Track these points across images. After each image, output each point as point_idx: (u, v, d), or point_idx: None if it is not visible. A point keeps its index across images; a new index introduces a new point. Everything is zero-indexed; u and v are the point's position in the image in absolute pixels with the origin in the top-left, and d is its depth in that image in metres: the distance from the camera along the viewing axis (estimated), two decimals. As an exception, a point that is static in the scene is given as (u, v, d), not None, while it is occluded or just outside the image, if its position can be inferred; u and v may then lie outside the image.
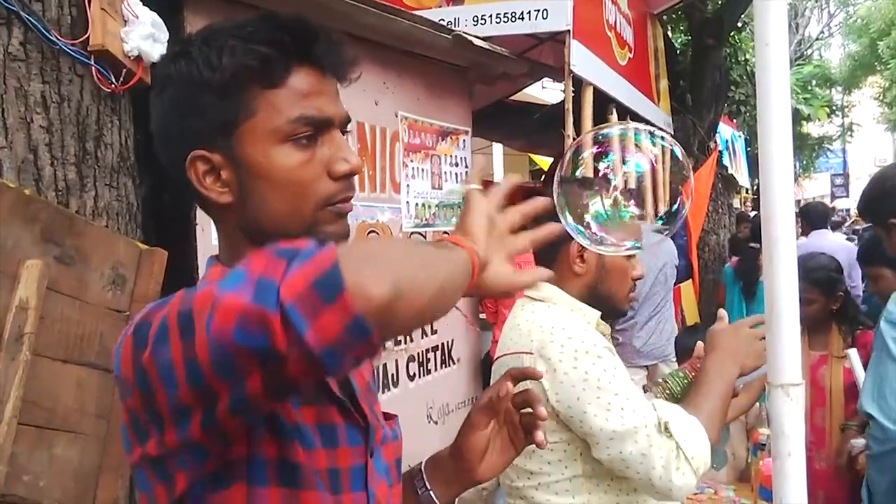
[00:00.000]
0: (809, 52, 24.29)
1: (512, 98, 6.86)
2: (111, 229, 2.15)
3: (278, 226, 0.93)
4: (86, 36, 2.12)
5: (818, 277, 3.18)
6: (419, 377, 3.99)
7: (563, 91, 4.57)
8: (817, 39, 25.61)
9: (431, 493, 1.18)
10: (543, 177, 9.41)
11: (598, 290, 1.83)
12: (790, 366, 1.09)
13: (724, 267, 7.19)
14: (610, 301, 1.85)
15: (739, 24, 8.96)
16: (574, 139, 4.52)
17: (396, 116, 3.91)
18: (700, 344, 1.84)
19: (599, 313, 1.83)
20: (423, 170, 4.11)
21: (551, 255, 1.80)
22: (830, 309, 3.25)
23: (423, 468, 1.21)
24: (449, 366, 4.29)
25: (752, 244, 6.39)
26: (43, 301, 1.79)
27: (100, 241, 2.04)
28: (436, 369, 4.15)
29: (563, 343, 1.65)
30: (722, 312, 1.83)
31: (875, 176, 2.40)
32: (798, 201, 29.68)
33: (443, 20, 4.30)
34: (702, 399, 1.66)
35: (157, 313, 0.79)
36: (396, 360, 3.80)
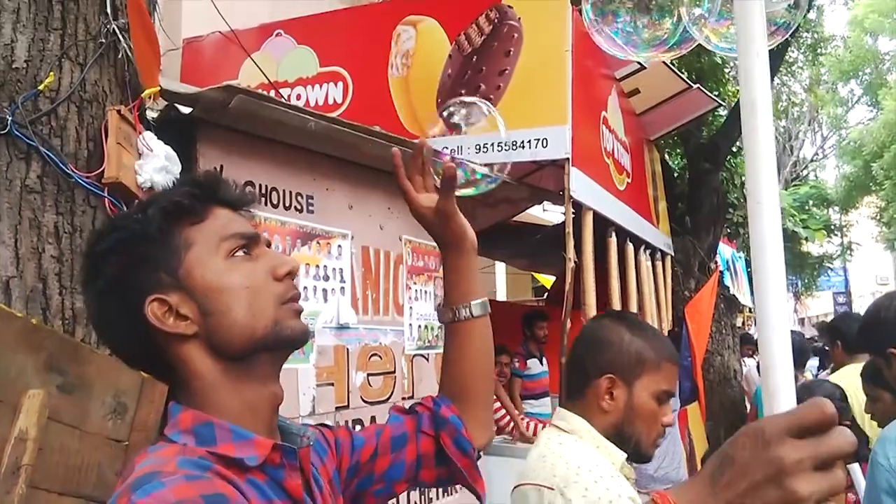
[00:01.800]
0: (805, 173, 24.87)
1: (514, 219, 7.00)
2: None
3: (246, 332, 1.00)
4: (101, 169, 2.20)
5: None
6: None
7: (564, 214, 4.67)
8: (812, 161, 26.26)
9: (460, 307, 1.32)
10: (546, 295, 9.46)
11: (625, 431, 1.76)
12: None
13: (756, 389, 6.88)
14: (636, 444, 1.77)
15: (734, 149, 9.23)
16: (575, 262, 4.59)
17: (400, 240, 3.99)
18: None
19: (625, 455, 1.75)
20: (425, 292, 4.15)
21: (580, 386, 1.78)
22: None
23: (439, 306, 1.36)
24: None
25: None
26: (43, 431, 1.78)
27: (103, 369, 2.04)
28: None
29: (587, 486, 1.56)
30: None
31: (870, 306, 2.42)
32: (801, 320, 29.61)
33: (446, 148, 4.44)
34: None
35: None
36: None
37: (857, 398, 3.34)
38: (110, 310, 1.02)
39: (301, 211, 3.26)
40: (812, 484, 0.70)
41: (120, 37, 2.40)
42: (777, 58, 8.86)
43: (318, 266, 3.28)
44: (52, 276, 2.06)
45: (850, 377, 3.55)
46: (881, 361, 2.23)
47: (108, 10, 2.36)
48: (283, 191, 3.19)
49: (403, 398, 3.71)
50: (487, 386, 1.36)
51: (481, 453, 1.33)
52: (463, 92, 4.89)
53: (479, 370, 1.33)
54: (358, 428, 3.20)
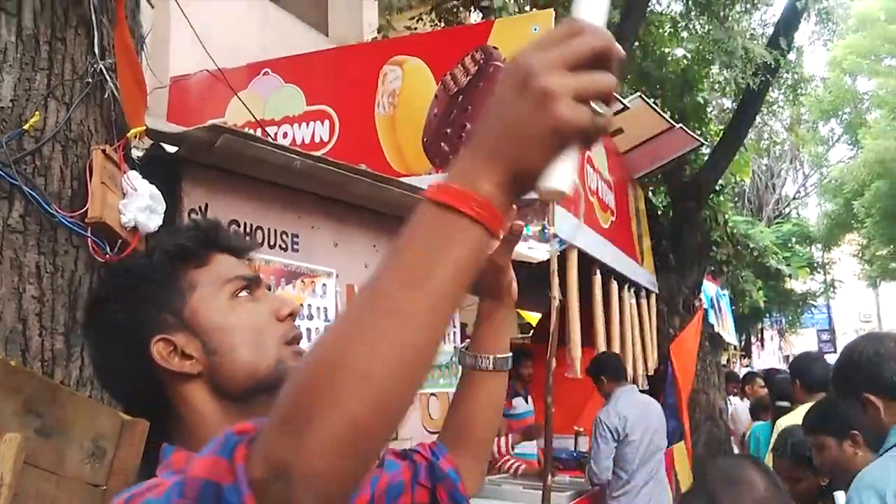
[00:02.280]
0: (787, 210, 25.12)
1: (499, 257, 7.00)
2: (95, 399, 2.13)
3: (248, 370, 1.02)
4: (85, 208, 2.19)
5: (806, 454, 3.06)
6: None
7: (549, 252, 4.69)
8: (794, 199, 26.55)
9: (484, 357, 1.32)
10: (532, 332, 9.44)
11: None
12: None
13: (751, 431, 6.11)
14: None
15: (717, 188, 9.33)
16: (560, 300, 4.59)
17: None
18: None
19: None
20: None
21: None
22: (819, 486, 3.11)
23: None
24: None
25: (780, 402, 5.13)
26: (18, 477, 1.74)
27: (82, 412, 2.01)
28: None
29: None
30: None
31: (845, 350, 2.38)
32: (786, 357, 29.70)
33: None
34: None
35: None
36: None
37: None
38: (115, 351, 1.04)
39: (286, 249, 3.25)
40: (565, 77, 0.63)
41: (107, 76, 2.40)
42: (758, 98, 9.00)
43: (302, 305, 3.27)
44: (33, 317, 2.04)
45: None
46: (857, 406, 2.21)
47: (96, 50, 2.37)
48: (268, 229, 3.18)
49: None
50: (489, 437, 1.37)
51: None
52: (448, 132, 4.93)
53: (485, 421, 1.34)
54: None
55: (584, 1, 0.70)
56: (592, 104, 0.63)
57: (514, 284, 1.35)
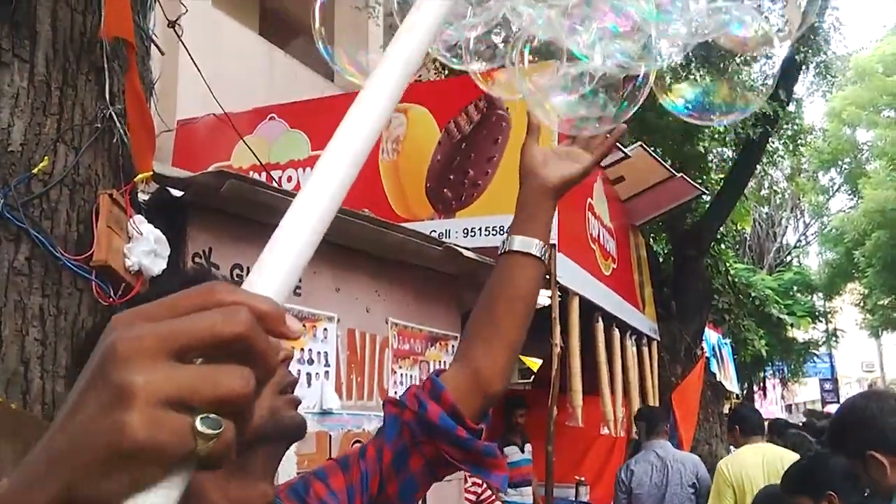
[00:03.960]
0: (789, 259, 25.13)
1: (500, 302, 7.01)
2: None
3: None
4: (90, 252, 2.21)
5: None
6: None
7: (550, 298, 4.69)
8: (795, 247, 26.58)
9: (515, 238, 1.25)
10: (533, 378, 9.39)
11: None
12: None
13: None
14: None
15: (718, 236, 9.36)
16: (561, 347, 4.58)
17: (387, 323, 3.98)
18: None
19: None
20: (411, 376, 4.12)
21: None
22: None
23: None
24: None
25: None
26: (14, 522, 1.73)
27: (80, 456, 2.00)
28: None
29: None
30: None
31: (845, 408, 2.35)
32: (789, 406, 29.42)
33: (434, 231, 4.50)
34: None
35: None
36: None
37: (749, 475, 4.49)
38: None
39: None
40: (153, 371, 0.41)
41: (116, 121, 2.44)
42: (759, 148, 9.09)
43: (302, 349, 3.27)
44: (35, 360, 2.04)
45: (745, 455, 4.73)
46: (859, 466, 2.18)
47: (106, 96, 2.41)
48: (271, 273, 3.19)
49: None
50: (516, 334, 1.24)
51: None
52: (451, 177, 4.98)
53: (512, 313, 1.23)
54: None
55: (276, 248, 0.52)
56: (197, 417, 0.42)
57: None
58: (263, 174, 4.89)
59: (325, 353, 3.41)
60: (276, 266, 0.51)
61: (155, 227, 2.46)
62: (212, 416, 0.42)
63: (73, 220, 2.24)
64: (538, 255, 1.25)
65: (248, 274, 0.48)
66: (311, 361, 3.30)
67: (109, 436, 0.40)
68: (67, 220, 2.22)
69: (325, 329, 3.44)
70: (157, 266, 2.35)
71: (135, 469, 0.41)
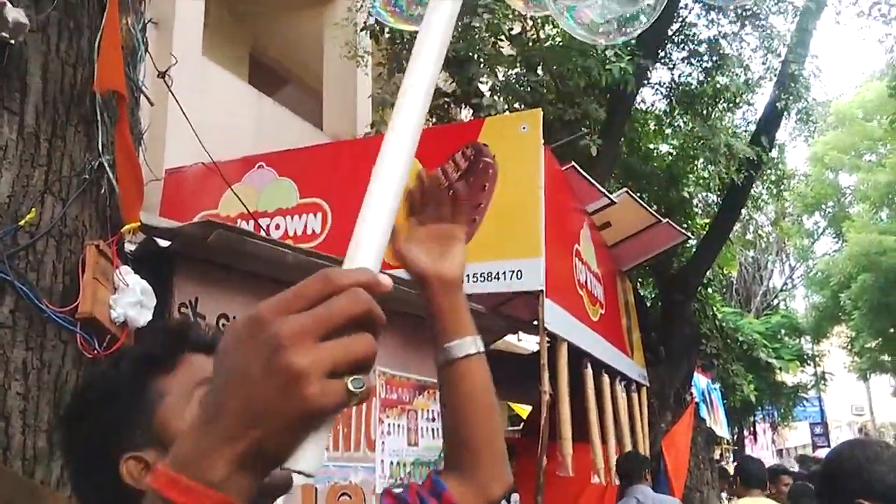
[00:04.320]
0: (776, 302, 25.23)
1: (489, 347, 6.98)
2: (74, 499, 2.08)
3: None
4: (76, 304, 2.19)
5: None
6: None
7: (539, 344, 4.68)
8: (782, 290, 26.71)
9: (453, 345, 1.16)
10: (522, 425, 9.32)
11: None
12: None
13: None
14: None
15: (705, 281, 9.41)
16: (550, 394, 4.56)
17: (374, 372, 3.95)
18: None
19: None
20: (398, 426, 4.08)
21: None
22: None
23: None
24: None
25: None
26: (-9, 583, 1.68)
27: (60, 513, 1.96)
28: None
29: None
30: None
31: (832, 455, 2.34)
32: (780, 451, 29.26)
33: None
34: None
35: None
36: None
37: None
38: (89, 472, 1.01)
39: (275, 343, 3.24)
40: (316, 352, 0.55)
41: (107, 171, 2.45)
42: (743, 193, 9.19)
43: (290, 400, 3.23)
44: (16, 414, 2.01)
45: None
46: None
47: (99, 147, 2.42)
48: (258, 323, 3.18)
49: (374, 538, 3.58)
50: (492, 434, 1.20)
51: None
52: (439, 224, 5.00)
53: (479, 417, 1.19)
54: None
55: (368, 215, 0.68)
56: (348, 380, 0.56)
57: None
58: (251, 222, 4.90)
59: (312, 402, 3.38)
60: (369, 242, 0.67)
61: (141, 277, 2.45)
62: (355, 377, 0.56)
63: (59, 271, 2.23)
64: (480, 350, 1.20)
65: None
66: (297, 412, 3.27)
67: (299, 406, 0.55)
68: (53, 272, 2.21)
69: (313, 378, 3.41)
70: (143, 317, 2.33)
71: (311, 425, 0.57)
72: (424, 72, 0.80)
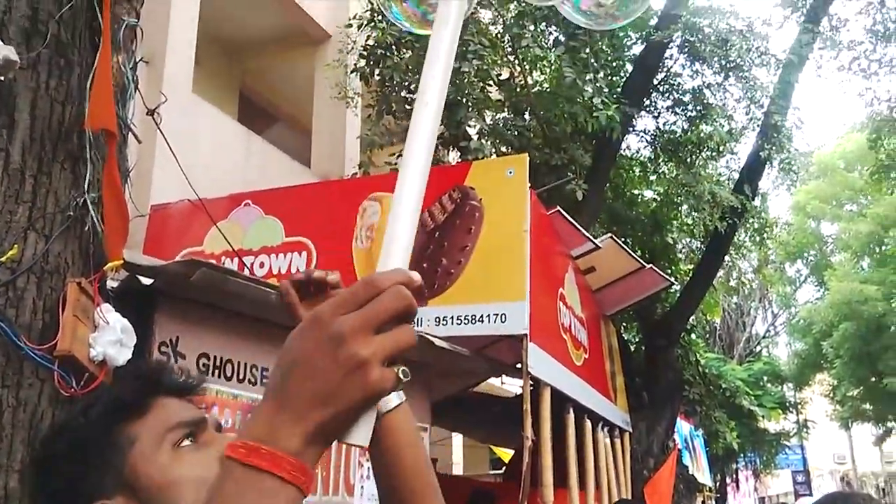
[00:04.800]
0: (758, 348, 25.31)
1: (472, 389, 6.95)
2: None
3: None
4: (54, 341, 2.17)
5: None
6: None
7: (522, 388, 4.66)
8: (764, 337, 26.81)
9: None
10: (504, 468, 9.23)
11: None
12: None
13: None
14: None
15: (688, 326, 9.43)
16: (532, 440, 4.52)
17: (355, 414, 3.91)
18: None
19: None
20: (379, 469, 4.03)
21: None
22: None
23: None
24: None
25: None
26: None
27: (29, 557, 1.92)
28: None
29: None
30: None
31: None
32: (762, 499, 29.10)
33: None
34: None
35: None
36: None
37: None
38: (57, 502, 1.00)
39: (255, 384, 3.21)
40: (373, 343, 0.66)
41: (90, 209, 2.44)
42: (726, 240, 9.27)
43: (269, 441, 3.19)
44: (-11, 454, 1.97)
45: None
46: None
47: (85, 185, 2.41)
48: (238, 363, 3.15)
49: (350, 585, 3.51)
50: (425, 489, 1.14)
51: None
52: (425, 265, 5.00)
53: (408, 472, 1.13)
54: None
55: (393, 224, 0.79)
56: (399, 370, 0.67)
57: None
58: (236, 260, 4.89)
59: (292, 445, 3.33)
60: (398, 244, 0.78)
61: (122, 314, 2.43)
62: (403, 367, 0.67)
63: (40, 308, 2.20)
64: (402, 399, 1.15)
65: (214, 363, 0.82)
66: (276, 454, 3.23)
67: (364, 390, 0.65)
68: (33, 309, 2.19)
69: (293, 420, 3.38)
70: (123, 356, 2.31)
71: (369, 404, 0.67)
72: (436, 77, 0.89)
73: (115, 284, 2.71)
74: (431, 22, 1.30)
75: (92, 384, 2.25)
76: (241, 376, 3.15)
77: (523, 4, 7.78)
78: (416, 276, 0.71)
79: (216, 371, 3.01)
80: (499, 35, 8.02)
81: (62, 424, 1.07)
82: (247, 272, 4.74)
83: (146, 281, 2.74)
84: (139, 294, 2.74)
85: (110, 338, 2.29)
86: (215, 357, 3.03)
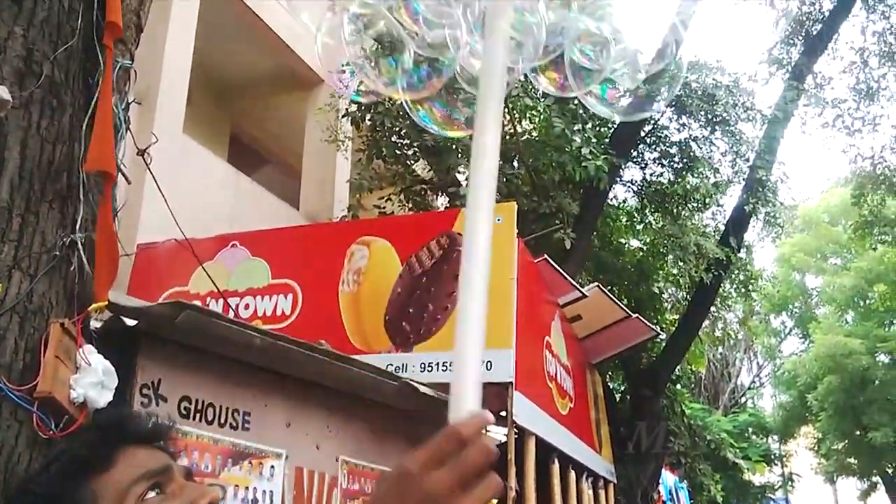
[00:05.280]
0: (743, 399, 25.23)
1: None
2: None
3: None
4: (35, 382, 2.14)
5: None
6: None
7: (507, 436, 4.62)
8: (749, 388, 26.76)
9: None
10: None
11: None
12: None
13: None
14: None
15: (674, 377, 9.41)
16: (516, 491, 4.47)
17: (337, 461, 3.86)
18: None
19: None
20: (360, 517, 3.96)
21: None
22: None
23: None
24: None
25: None
26: None
27: None
28: None
29: None
30: None
31: None
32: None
33: (391, 365, 4.46)
34: None
35: None
36: None
37: None
38: None
39: (236, 428, 3.17)
40: (466, 500, 0.71)
41: (79, 248, 2.42)
42: (712, 291, 9.31)
43: (247, 488, 3.14)
44: (-39, 497, 1.93)
45: None
46: None
47: (77, 224, 2.40)
48: (220, 407, 3.12)
49: None
50: None
51: None
52: (411, 311, 4.99)
53: None
54: None
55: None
56: None
57: None
58: (221, 301, 4.86)
59: (271, 492, 3.28)
60: (469, 385, 0.80)
61: (105, 355, 2.40)
62: None
63: (21, 348, 2.18)
64: None
65: (195, 407, 0.59)
66: (255, 501, 3.17)
67: None
68: (14, 349, 2.16)
69: (273, 466, 3.33)
70: (104, 398, 2.28)
71: None
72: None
73: (98, 325, 2.68)
74: (457, 121, 1.37)
75: (71, 427, 2.22)
76: (222, 420, 3.11)
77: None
78: (490, 417, 0.75)
79: (197, 415, 2.97)
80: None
81: (26, 480, 1.03)
82: (232, 314, 4.71)
83: (130, 322, 2.72)
84: (123, 334, 2.72)
85: (91, 380, 2.26)
86: (197, 400, 2.99)
